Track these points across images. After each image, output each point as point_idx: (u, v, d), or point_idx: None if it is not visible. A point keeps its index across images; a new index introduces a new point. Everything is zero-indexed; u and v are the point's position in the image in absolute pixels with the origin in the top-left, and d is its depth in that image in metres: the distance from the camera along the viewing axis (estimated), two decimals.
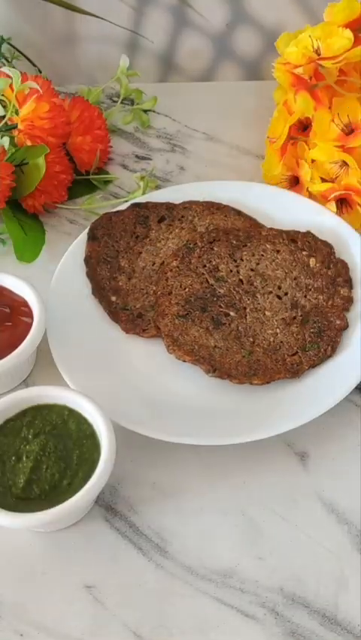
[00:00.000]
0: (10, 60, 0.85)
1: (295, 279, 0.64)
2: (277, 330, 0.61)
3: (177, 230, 0.69)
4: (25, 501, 0.50)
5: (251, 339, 0.61)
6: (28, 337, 0.59)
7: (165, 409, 0.58)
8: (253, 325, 0.61)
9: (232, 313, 0.62)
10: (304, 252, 0.65)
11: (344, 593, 0.49)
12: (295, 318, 0.62)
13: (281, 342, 0.60)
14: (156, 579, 0.50)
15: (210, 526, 0.53)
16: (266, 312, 0.62)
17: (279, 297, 0.63)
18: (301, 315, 0.62)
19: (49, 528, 0.52)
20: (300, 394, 0.57)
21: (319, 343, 0.60)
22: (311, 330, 0.61)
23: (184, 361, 0.59)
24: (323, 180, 0.69)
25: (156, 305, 0.63)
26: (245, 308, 0.62)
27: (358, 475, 0.54)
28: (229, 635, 0.48)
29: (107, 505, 0.54)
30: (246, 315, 0.62)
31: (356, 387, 0.57)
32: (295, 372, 0.58)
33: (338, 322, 0.61)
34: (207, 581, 0.50)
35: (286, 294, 0.63)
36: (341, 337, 0.60)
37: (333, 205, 0.68)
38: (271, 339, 0.61)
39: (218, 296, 0.63)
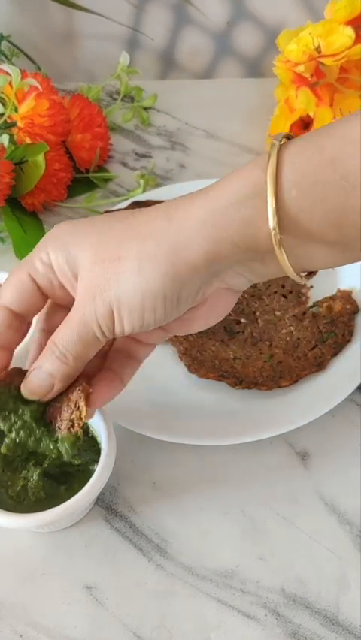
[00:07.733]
0: (9, 57, 0.84)
1: None
2: (291, 328, 0.60)
3: None
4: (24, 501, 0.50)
5: (268, 343, 0.60)
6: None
7: (165, 409, 0.58)
8: (267, 328, 0.60)
9: (243, 320, 0.61)
10: None
11: (346, 593, 0.49)
12: (305, 313, 0.61)
13: (298, 338, 0.60)
14: (156, 579, 0.50)
15: (211, 526, 0.52)
16: (276, 313, 0.62)
17: (285, 296, 0.63)
18: (310, 308, 0.61)
19: (49, 528, 0.52)
20: (300, 394, 0.57)
21: (335, 331, 0.59)
22: (324, 321, 0.60)
23: (207, 379, 0.57)
24: None
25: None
26: (254, 312, 0.62)
27: (359, 475, 0.54)
28: (230, 636, 0.47)
29: (107, 505, 0.54)
30: (257, 319, 0.61)
31: (357, 387, 0.57)
32: (319, 365, 0.57)
33: (348, 307, 0.61)
34: (208, 582, 0.50)
35: (290, 292, 0.63)
36: (355, 321, 0.60)
37: None
38: (288, 338, 0.60)
39: None
